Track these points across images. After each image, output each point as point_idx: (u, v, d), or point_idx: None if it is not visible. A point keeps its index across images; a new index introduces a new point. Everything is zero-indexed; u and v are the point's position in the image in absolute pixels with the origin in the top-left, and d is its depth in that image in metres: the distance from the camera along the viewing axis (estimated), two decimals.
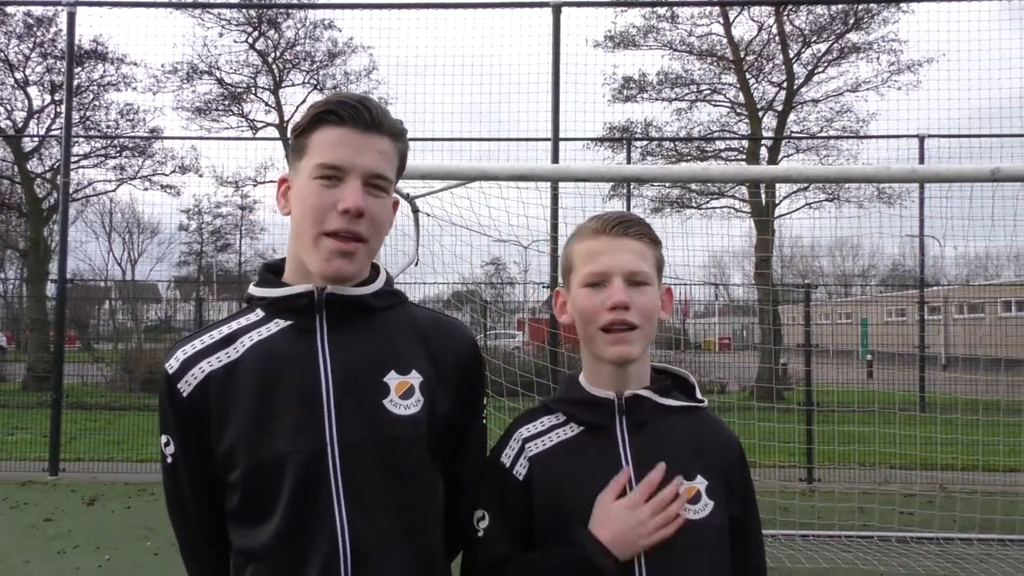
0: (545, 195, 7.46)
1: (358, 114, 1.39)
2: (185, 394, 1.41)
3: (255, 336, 1.43)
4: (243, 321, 1.46)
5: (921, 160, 11.18)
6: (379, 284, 1.49)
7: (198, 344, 1.44)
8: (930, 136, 11.34)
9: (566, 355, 8.67)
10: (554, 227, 7.89)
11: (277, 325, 1.43)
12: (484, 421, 1.62)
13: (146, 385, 13.49)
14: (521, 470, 1.52)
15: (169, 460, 1.45)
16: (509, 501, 1.52)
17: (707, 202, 19.42)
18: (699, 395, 1.60)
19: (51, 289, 17.78)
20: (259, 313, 1.46)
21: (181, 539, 1.53)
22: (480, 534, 1.53)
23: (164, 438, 1.45)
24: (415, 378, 1.45)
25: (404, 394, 1.43)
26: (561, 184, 7.73)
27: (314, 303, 1.42)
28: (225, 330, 1.45)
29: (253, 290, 1.49)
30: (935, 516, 6.64)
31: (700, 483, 1.48)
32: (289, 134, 1.46)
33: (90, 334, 23.02)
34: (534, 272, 16.34)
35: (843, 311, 22.94)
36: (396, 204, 1.52)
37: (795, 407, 9.25)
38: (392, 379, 1.43)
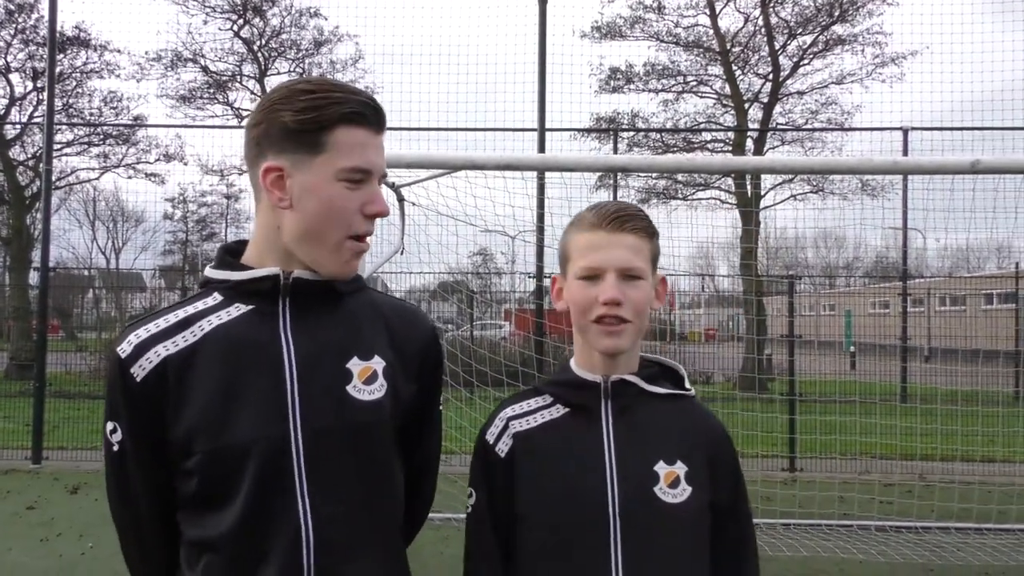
0: (531, 185, 7.50)
1: (378, 116, 1.39)
2: (139, 379, 1.35)
3: (214, 320, 1.38)
4: (199, 305, 1.41)
5: (905, 152, 11.26)
6: None
7: (152, 328, 1.38)
8: (913, 128, 11.43)
9: (552, 345, 8.71)
10: (540, 217, 7.92)
11: (238, 309, 1.39)
12: (441, 407, 1.64)
13: None
14: (503, 447, 1.56)
15: (116, 448, 1.38)
16: (492, 477, 1.56)
17: (693, 193, 19.48)
18: (687, 385, 1.63)
19: (34, 277, 17.65)
20: (217, 297, 1.41)
21: (125, 531, 1.46)
22: (468, 510, 1.59)
23: (111, 425, 1.38)
24: (378, 363, 1.43)
25: (367, 380, 1.42)
26: (547, 174, 7.76)
27: (279, 287, 1.39)
28: (181, 313, 1.40)
29: (211, 273, 1.43)
30: (914, 505, 6.73)
31: (680, 468, 1.51)
32: (290, 120, 1.34)
33: (73, 323, 22.89)
34: (521, 262, 16.35)
35: (827, 302, 23.13)
36: None
37: (778, 397, 9.35)
38: (355, 365, 1.41)
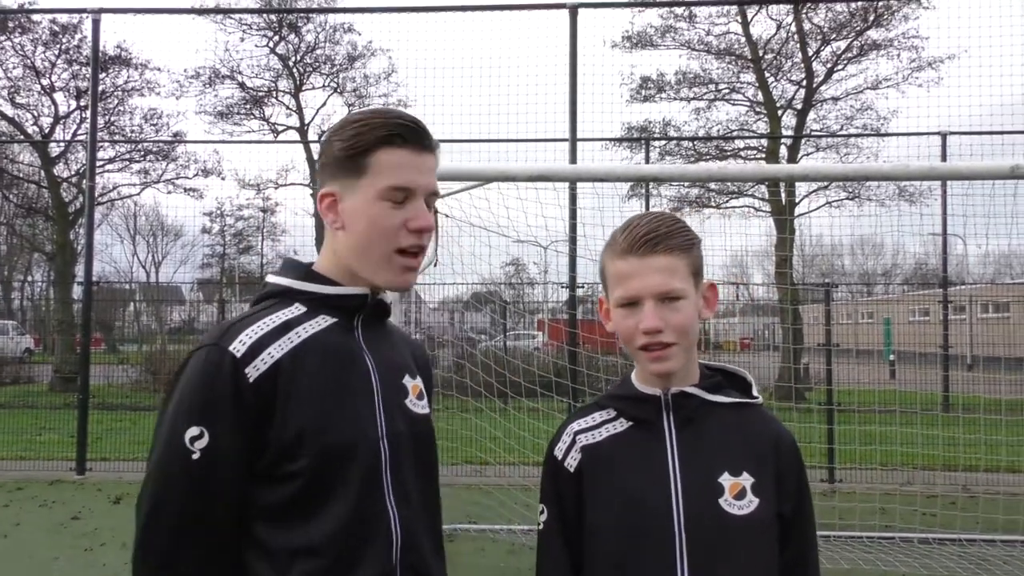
0: (563, 195, 7.47)
1: (419, 137, 1.45)
2: (252, 379, 1.35)
3: (310, 328, 1.45)
4: (288, 314, 1.45)
5: (943, 157, 11.07)
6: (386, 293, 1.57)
7: (259, 329, 1.40)
8: (952, 133, 11.23)
9: (585, 355, 8.69)
10: (573, 227, 7.91)
11: (325, 320, 1.47)
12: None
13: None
14: (572, 462, 1.57)
15: (196, 456, 1.30)
16: (563, 492, 1.57)
17: (726, 201, 19.34)
18: (755, 392, 1.61)
19: (77, 292, 18.09)
20: (300, 307, 1.46)
21: (185, 559, 1.32)
22: (540, 527, 1.60)
23: (195, 430, 1.31)
24: (419, 382, 1.58)
25: (418, 396, 1.56)
26: (579, 184, 7.75)
27: (363, 305, 1.50)
28: (277, 320, 1.43)
29: (293, 284, 1.49)
30: (957, 517, 6.59)
31: (746, 480, 1.49)
32: (337, 149, 1.45)
33: (115, 336, 23.33)
34: (553, 272, 16.35)
35: (865, 310, 22.76)
36: None
37: (816, 407, 9.22)
38: (408, 381, 1.55)
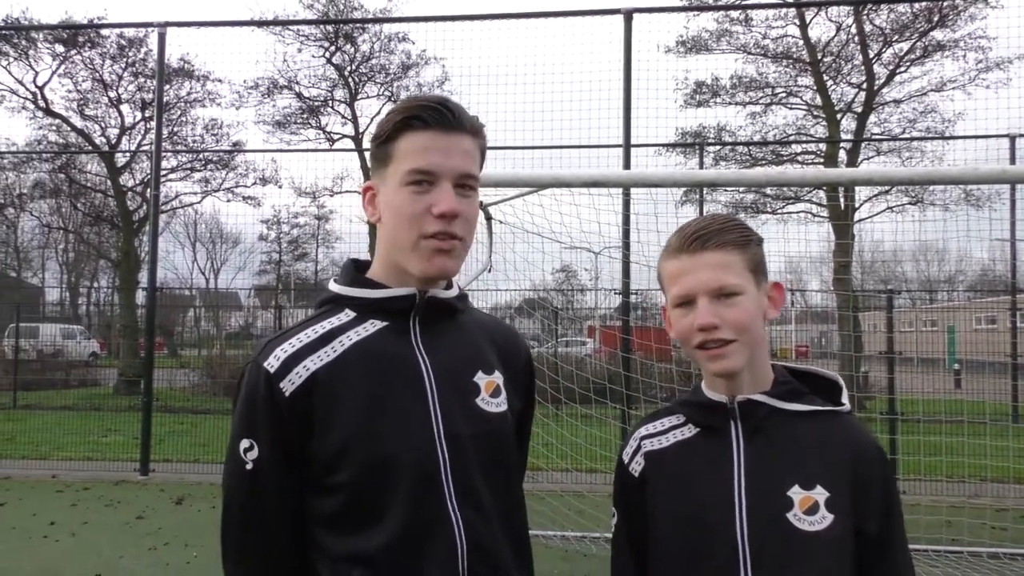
0: (617, 201, 7.42)
1: (441, 116, 1.39)
2: (288, 393, 1.36)
3: (353, 336, 1.42)
4: (335, 321, 1.44)
5: (1012, 160, 10.71)
6: (456, 288, 1.53)
7: (296, 343, 1.41)
8: (1021, 136, 10.85)
9: (639, 361, 8.61)
10: (626, 233, 7.85)
11: (374, 325, 1.43)
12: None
13: (229, 390, 14.04)
14: (637, 467, 1.55)
15: (250, 466, 1.38)
16: (629, 497, 1.56)
17: (783, 207, 18.99)
18: (844, 399, 1.51)
19: (141, 297, 18.63)
20: (349, 313, 1.45)
21: (247, 556, 1.44)
22: (613, 530, 1.61)
23: (246, 442, 1.38)
24: (498, 377, 1.51)
25: (493, 392, 1.48)
26: (633, 190, 7.70)
27: (414, 305, 1.44)
28: (319, 329, 1.43)
29: (343, 290, 1.48)
30: None
31: (819, 494, 1.40)
32: (370, 142, 1.47)
33: (175, 340, 23.99)
34: (605, 279, 16.29)
35: (928, 318, 22.11)
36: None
37: (877, 416, 8.96)
38: (481, 378, 1.48)
